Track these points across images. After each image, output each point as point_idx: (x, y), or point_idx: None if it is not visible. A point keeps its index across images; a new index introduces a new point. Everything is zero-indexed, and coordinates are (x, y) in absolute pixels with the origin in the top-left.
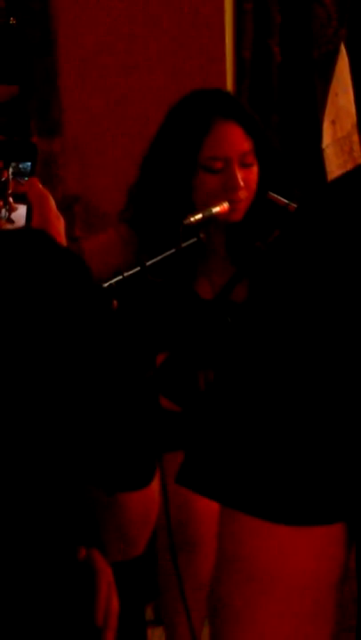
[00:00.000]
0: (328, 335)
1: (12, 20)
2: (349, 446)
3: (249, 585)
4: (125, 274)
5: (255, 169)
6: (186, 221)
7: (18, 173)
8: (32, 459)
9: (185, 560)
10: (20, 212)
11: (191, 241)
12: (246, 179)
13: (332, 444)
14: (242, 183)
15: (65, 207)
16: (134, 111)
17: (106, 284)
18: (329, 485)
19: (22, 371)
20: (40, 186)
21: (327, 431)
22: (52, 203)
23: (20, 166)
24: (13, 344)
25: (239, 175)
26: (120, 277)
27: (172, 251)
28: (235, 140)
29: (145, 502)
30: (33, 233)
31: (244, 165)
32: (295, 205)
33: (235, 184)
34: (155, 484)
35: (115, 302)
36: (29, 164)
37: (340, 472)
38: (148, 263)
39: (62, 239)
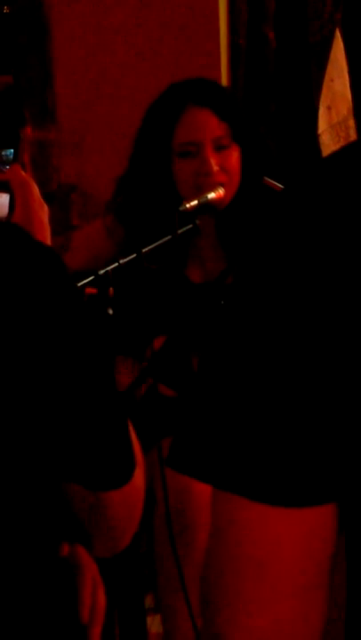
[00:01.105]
0: (315, 315)
1: (5, 9)
2: (338, 426)
3: (239, 567)
4: (121, 261)
5: (235, 152)
6: (181, 208)
7: (0, 161)
8: (10, 456)
9: (183, 546)
10: (3, 201)
11: (187, 227)
12: (223, 163)
13: (320, 424)
14: (215, 167)
15: (61, 196)
16: (128, 100)
17: (102, 272)
18: (319, 466)
19: None
20: (23, 173)
21: (316, 412)
22: (36, 190)
23: (3, 154)
24: None
25: (213, 160)
26: (116, 264)
27: (169, 237)
28: (206, 124)
29: (127, 498)
30: (6, 228)
31: (220, 148)
32: None
33: (207, 169)
34: (137, 480)
35: (111, 289)
36: (12, 151)
37: (330, 453)
38: (145, 250)
39: (45, 228)
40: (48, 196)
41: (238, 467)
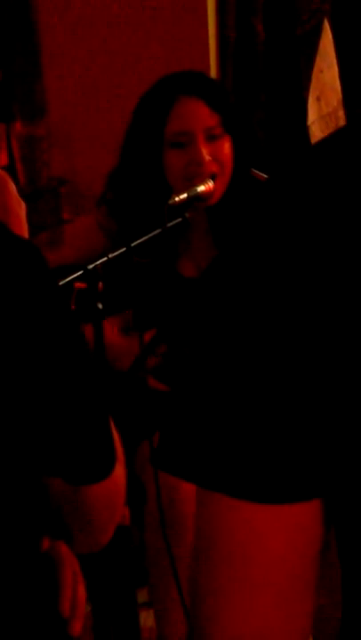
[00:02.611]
0: (301, 307)
1: None
2: (322, 421)
3: (225, 564)
4: (110, 255)
5: (226, 143)
6: (171, 201)
7: None
8: None
9: (174, 540)
10: None
11: (177, 220)
12: (215, 153)
13: (304, 420)
14: (207, 157)
15: (51, 190)
16: (118, 93)
17: (91, 266)
18: (303, 462)
19: None
20: None
21: (299, 408)
22: (12, 187)
23: None
24: None
25: (204, 150)
26: (105, 259)
27: (158, 231)
28: (198, 114)
29: (108, 493)
30: None
31: (212, 138)
32: None
33: (200, 158)
34: (118, 475)
35: (100, 284)
36: None
37: (313, 448)
38: (134, 244)
39: (23, 223)
40: (37, 191)
41: (221, 465)
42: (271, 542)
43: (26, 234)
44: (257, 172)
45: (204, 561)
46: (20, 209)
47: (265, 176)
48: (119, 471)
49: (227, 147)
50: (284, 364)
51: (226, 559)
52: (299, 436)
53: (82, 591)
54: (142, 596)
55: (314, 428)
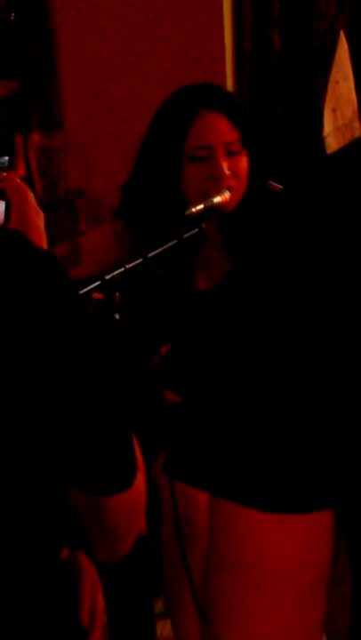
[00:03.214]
0: (313, 318)
1: (11, 16)
2: (336, 432)
3: (236, 575)
4: (127, 266)
5: (244, 158)
6: (187, 212)
7: None
8: (12, 461)
9: (190, 551)
10: None
11: (193, 231)
12: (234, 167)
13: (317, 431)
14: (227, 172)
15: (68, 202)
16: (135, 104)
17: (108, 277)
18: (316, 473)
19: None
20: (18, 180)
21: (312, 419)
22: (31, 197)
23: None
24: None
25: (225, 164)
26: (122, 269)
27: (175, 242)
28: (219, 129)
29: (128, 504)
30: (6, 234)
31: (231, 154)
32: None
33: (220, 173)
34: (139, 485)
35: (117, 294)
36: (7, 158)
37: (326, 459)
38: (150, 255)
39: (42, 234)
40: (55, 202)
41: (235, 474)
42: (285, 551)
43: (45, 244)
44: (273, 183)
45: (216, 570)
46: (39, 219)
47: (280, 187)
48: (140, 481)
49: (244, 161)
50: (298, 374)
51: (239, 568)
52: (314, 446)
53: (101, 601)
54: (159, 607)
55: (329, 439)
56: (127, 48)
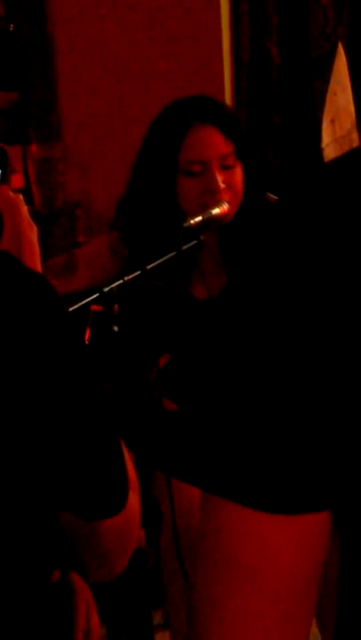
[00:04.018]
0: (311, 325)
1: (10, 27)
2: (334, 433)
3: (229, 574)
4: (126, 278)
5: (238, 170)
6: (186, 224)
7: None
8: (2, 484)
9: (190, 563)
10: None
11: (192, 243)
12: (228, 180)
13: (316, 431)
14: (222, 185)
15: (66, 213)
16: (133, 115)
17: (106, 289)
18: (314, 473)
19: None
20: (11, 193)
21: (311, 419)
22: (25, 210)
23: None
24: None
25: (219, 177)
26: (121, 281)
27: (173, 253)
28: (212, 142)
29: (121, 525)
30: None
31: (225, 167)
32: None
33: (214, 187)
34: (132, 506)
35: (116, 306)
36: None
37: (324, 460)
38: (149, 267)
39: (35, 248)
40: (53, 214)
41: (232, 472)
42: (277, 552)
43: (38, 258)
44: (270, 194)
45: (206, 569)
46: (33, 233)
47: (276, 198)
48: (133, 501)
49: (239, 174)
50: (297, 377)
51: (230, 567)
52: (312, 447)
53: (95, 620)
54: (158, 618)
55: (327, 441)
56: (126, 60)
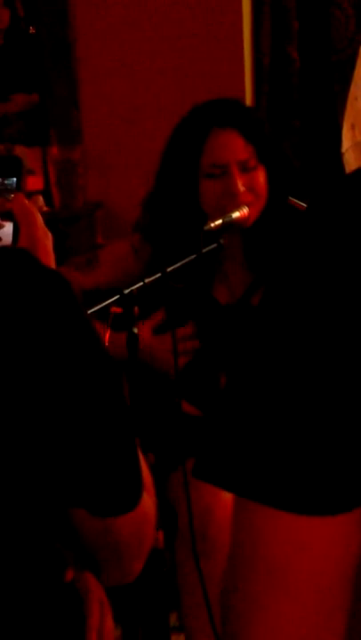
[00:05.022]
0: (340, 330)
1: (31, 30)
2: None
3: (261, 576)
4: (146, 280)
5: (261, 173)
6: (206, 227)
7: (3, 190)
8: (16, 482)
9: (205, 566)
10: (7, 230)
11: (212, 246)
12: (250, 183)
13: (347, 433)
14: (242, 188)
15: (87, 215)
16: (153, 119)
17: (127, 291)
18: (345, 474)
19: (1, 395)
20: (26, 202)
21: (342, 421)
22: (40, 219)
23: (6, 182)
24: None
25: (239, 181)
26: (141, 283)
27: (193, 256)
28: (232, 146)
29: (135, 525)
30: (15, 252)
31: (246, 170)
32: None
33: (234, 189)
34: (146, 505)
35: (136, 308)
36: (14, 179)
37: (356, 461)
38: (169, 269)
39: (50, 256)
40: (73, 215)
41: (263, 475)
42: (312, 552)
43: (53, 265)
44: (294, 199)
45: (238, 571)
46: (48, 241)
47: (302, 204)
48: (147, 502)
49: (261, 176)
50: (328, 379)
51: (265, 568)
52: (343, 448)
53: (110, 621)
54: (173, 620)
55: (356, 440)
56: (147, 62)
